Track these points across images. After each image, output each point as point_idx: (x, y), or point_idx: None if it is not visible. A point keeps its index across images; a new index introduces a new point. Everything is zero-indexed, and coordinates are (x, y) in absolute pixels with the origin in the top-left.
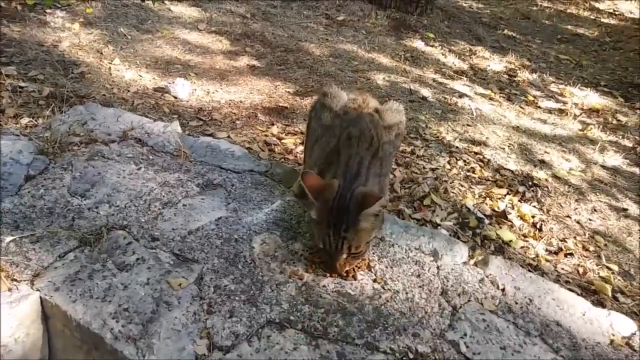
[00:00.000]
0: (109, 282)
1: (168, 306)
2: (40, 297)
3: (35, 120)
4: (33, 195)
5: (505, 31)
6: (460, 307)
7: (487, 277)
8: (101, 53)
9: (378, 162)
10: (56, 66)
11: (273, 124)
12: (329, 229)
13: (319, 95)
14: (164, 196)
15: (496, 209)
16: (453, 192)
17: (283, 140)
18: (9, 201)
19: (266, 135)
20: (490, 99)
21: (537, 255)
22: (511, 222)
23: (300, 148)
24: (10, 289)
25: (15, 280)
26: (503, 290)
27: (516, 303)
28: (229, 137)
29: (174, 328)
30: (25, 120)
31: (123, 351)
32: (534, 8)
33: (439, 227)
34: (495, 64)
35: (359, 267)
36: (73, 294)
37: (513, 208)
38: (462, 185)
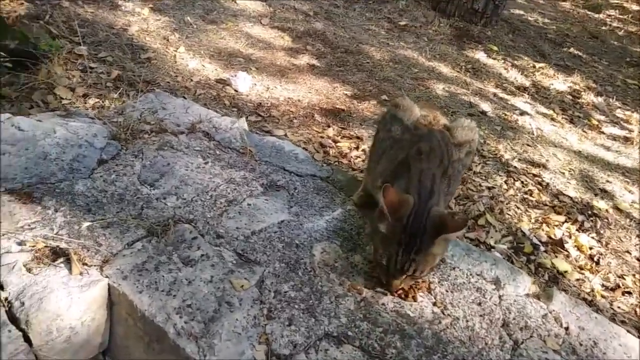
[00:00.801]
0: (174, 276)
1: (230, 307)
2: (109, 284)
3: (102, 102)
4: (105, 180)
5: (572, 49)
6: (522, 342)
7: (550, 312)
8: (167, 40)
9: (446, 181)
10: (125, 49)
11: (329, 126)
12: (398, 248)
13: (389, 106)
14: (229, 193)
15: (552, 236)
16: (509, 214)
17: (338, 144)
18: (82, 184)
19: (322, 137)
20: (552, 119)
21: (592, 290)
22: (567, 251)
23: (355, 153)
24: (81, 273)
25: (86, 264)
26: (567, 329)
27: (580, 345)
28: (285, 135)
29: (234, 330)
30: (92, 101)
31: (185, 348)
32: (604, 27)
33: (492, 249)
34: (559, 83)
35: (419, 289)
36: (140, 284)
37: (570, 237)
38: (518, 208)
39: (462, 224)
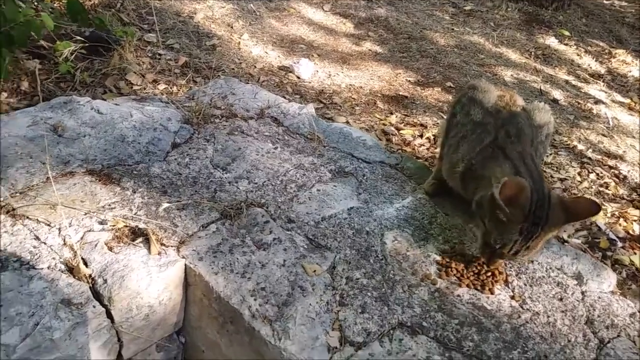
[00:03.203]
0: (248, 259)
1: (303, 291)
2: (185, 265)
3: (170, 88)
4: (179, 163)
5: None
6: (609, 341)
7: (639, 311)
8: (232, 27)
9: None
10: (191, 36)
11: (392, 113)
12: (519, 237)
13: (466, 89)
14: (299, 178)
15: (631, 231)
16: None
17: (401, 131)
18: (157, 166)
19: (384, 124)
20: (630, 108)
21: None
22: None
23: (419, 141)
24: (159, 253)
25: (164, 245)
26: None
27: None
28: (347, 122)
29: (308, 315)
30: (162, 87)
31: (260, 330)
32: None
33: (566, 243)
34: (637, 70)
35: (496, 281)
36: (215, 265)
37: None
38: None
39: (595, 206)
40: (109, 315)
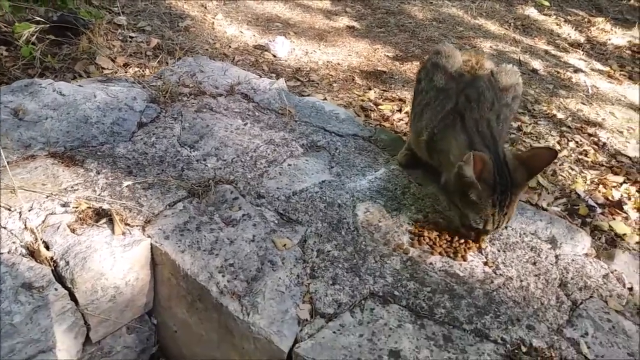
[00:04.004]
0: (216, 236)
1: (272, 266)
2: (151, 244)
3: (143, 71)
4: (145, 142)
5: (632, 1)
6: (581, 302)
7: (612, 272)
8: (205, 7)
9: (500, 126)
10: (163, 18)
11: (370, 89)
12: (494, 209)
13: (430, 54)
14: (269, 154)
15: (610, 197)
16: (562, 176)
17: (380, 106)
18: (122, 146)
19: (363, 100)
20: (609, 76)
21: None
22: (626, 213)
23: (398, 115)
24: (123, 233)
25: (128, 224)
26: (631, 289)
27: None
28: (325, 99)
29: (277, 289)
30: (133, 70)
31: (228, 306)
32: None
33: (545, 211)
34: (616, 37)
35: (469, 248)
36: (182, 243)
37: (629, 198)
38: (572, 169)
39: (551, 153)
40: (73, 297)
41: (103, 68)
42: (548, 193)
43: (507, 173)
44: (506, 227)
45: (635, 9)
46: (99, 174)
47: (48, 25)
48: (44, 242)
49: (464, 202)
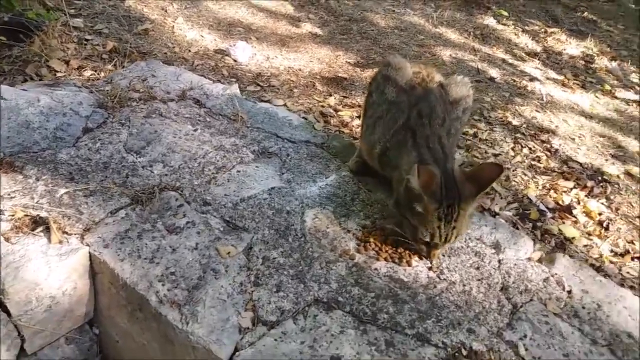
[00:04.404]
0: (158, 244)
1: (215, 274)
2: (90, 253)
3: (98, 74)
4: (90, 148)
5: (585, 14)
6: (522, 306)
7: (552, 276)
8: (165, 11)
9: (450, 140)
10: (121, 21)
11: (331, 95)
12: (440, 222)
13: (380, 66)
14: (218, 160)
15: (560, 202)
16: (515, 181)
17: (339, 112)
18: (65, 152)
19: (323, 106)
20: (563, 85)
21: (600, 256)
22: (576, 217)
23: (357, 122)
24: (60, 242)
25: (66, 233)
26: (569, 292)
27: (583, 308)
28: (285, 105)
29: (219, 297)
30: (88, 73)
31: (167, 315)
32: None
33: (497, 216)
34: (571, 48)
35: (414, 253)
36: (122, 252)
37: (579, 203)
38: (525, 174)
39: (497, 168)
40: (4, 309)
41: (56, 71)
42: (501, 198)
43: (455, 187)
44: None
45: (589, 21)
46: (38, 180)
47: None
48: None
49: (413, 215)
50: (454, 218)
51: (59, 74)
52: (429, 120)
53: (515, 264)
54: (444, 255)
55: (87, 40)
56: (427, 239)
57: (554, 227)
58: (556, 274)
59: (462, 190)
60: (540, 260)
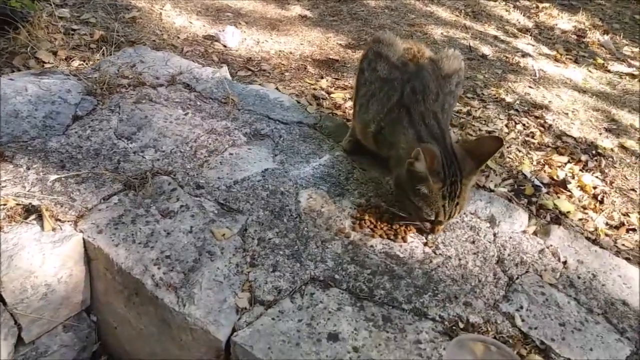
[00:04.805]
0: (152, 228)
1: (211, 256)
2: (84, 239)
3: (86, 64)
4: (80, 135)
5: None
6: (517, 278)
7: (547, 247)
8: None
9: (445, 115)
10: (108, 10)
11: (322, 77)
12: (444, 200)
13: (371, 43)
14: (210, 144)
15: (555, 177)
16: (509, 157)
17: (332, 95)
18: (55, 140)
19: (315, 89)
20: (556, 60)
21: (596, 229)
22: (570, 192)
23: (350, 103)
24: (54, 229)
25: (59, 220)
26: (565, 263)
27: (579, 278)
28: (276, 89)
29: (215, 279)
30: (76, 63)
31: (163, 299)
32: None
33: (492, 192)
34: (563, 22)
35: (409, 230)
36: (116, 237)
37: (573, 177)
38: (519, 151)
39: (497, 141)
40: (0, 297)
41: (44, 62)
42: (496, 175)
43: (456, 163)
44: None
45: None
46: (29, 169)
47: None
48: None
49: (416, 196)
50: (457, 195)
51: (47, 65)
52: (422, 96)
53: (510, 237)
54: None
55: (74, 30)
56: (432, 218)
57: (549, 202)
58: (551, 245)
59: (463, 165)
60: (535, 233)
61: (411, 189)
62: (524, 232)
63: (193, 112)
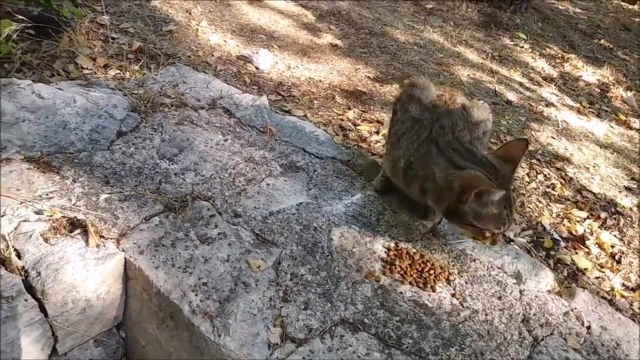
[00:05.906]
0: (191, 253)
1: (246, 287)
2: (125, 258)
3: (123, 73)
4: (124, 152)
5: (602, 41)
6: (542, 339)
7: (572, 310)
8: (190, 13)
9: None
10: (147, 21)
11: (350, 108)
12: (506, 210)
13: (406, 86)
14: (248, 172)
15: (574, 232)
16: (529, 207)
17: (358, 127)
18: (100, 155)
19: (342, 120)
20: (579, 112)
21: (612, 289)
22: (588, 248)
23: (375, 137)
24: (98, 245)
25: (103, 237)
26: (589, 328)
27: (602, 345)
28: (305, 116)
29: (250, 311)
30: (113, 72)
31: (199, 327)
32: (637, 19)
33: (511, 242)
34: (587, 75)
35: (438, 279)
36: (156, 259)
37: (592, 234)
38: (539, 202)
39: (523, 142)
40: (42, 309)
41: (83, 68)
42: (515, 224)
43: (498, 173)
44: (474, 260)
45: (606, 49)
46: (75, 182)
47: (30, 24)
48: (15, 250)
49: (484, 220)
50: (513, 201)
51: (85, 71)
52: (450, 130)
53: (536, 296)
54: (467, 283)
55: (113, 38)
56: (497, 231)
57: (567, 256)
58: (575, 308)
59: (504, 172)
60: (559, 294)
61: (475, 215)
62: (549, 291)
63: (232, 138)
